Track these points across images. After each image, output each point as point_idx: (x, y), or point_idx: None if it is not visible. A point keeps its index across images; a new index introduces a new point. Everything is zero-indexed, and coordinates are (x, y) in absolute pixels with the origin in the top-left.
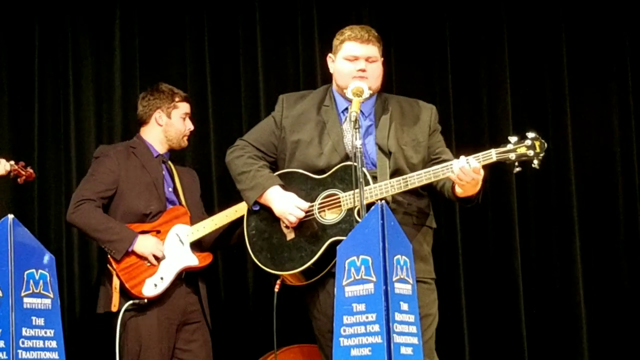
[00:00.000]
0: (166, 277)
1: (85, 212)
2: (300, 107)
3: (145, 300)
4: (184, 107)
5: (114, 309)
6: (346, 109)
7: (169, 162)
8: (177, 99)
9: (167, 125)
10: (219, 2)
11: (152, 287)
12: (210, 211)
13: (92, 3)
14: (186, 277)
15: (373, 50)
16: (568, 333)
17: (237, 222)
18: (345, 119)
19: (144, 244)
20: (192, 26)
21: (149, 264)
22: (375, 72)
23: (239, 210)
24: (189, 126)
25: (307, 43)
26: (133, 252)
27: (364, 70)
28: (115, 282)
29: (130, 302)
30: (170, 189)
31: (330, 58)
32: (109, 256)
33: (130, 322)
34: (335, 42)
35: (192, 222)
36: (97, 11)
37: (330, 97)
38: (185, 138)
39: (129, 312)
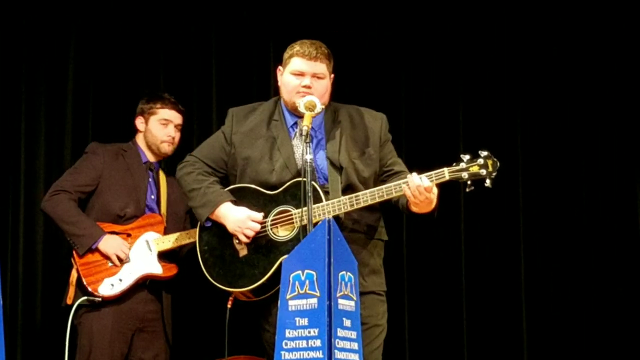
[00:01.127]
0: (125, 280)
1: (58, 202)
2: (250, 123)
3: (100, 299)
4: (165, 114)
5: (69, 301)
6: (295, 123)
7: (160, 172)
8: (158, 105)
9: (146, 131)
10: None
11: (108, 287)
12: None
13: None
14: (151, 285)
15: (320, 67)
16: (510, 348)
17: None
18: (295, 134)
19: (109, 244)
20: (147, 37)
21: (111, 264)
22: (321, 89)
23: None
24: (170, 133)
25: (261, 55)
26: (97, 250)
27: (308, 87)
28: (73, 276)
29: (85, 297)
30: (153, 197)
31: (279, 71)
32: (74, 250)
33: (85, 320)
34: (285, 55)
35: (168, 233)
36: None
37: (279, 111)
38: (166, 144)
39: (85, 310)
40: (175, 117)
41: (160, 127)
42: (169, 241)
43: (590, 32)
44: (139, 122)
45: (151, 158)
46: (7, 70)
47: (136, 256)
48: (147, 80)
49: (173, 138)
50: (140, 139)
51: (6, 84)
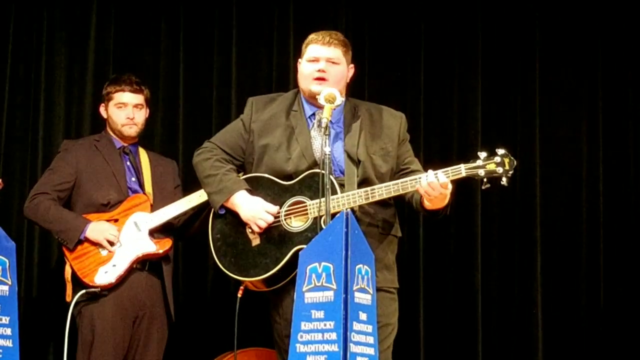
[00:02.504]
0: (119, 265)
1: (37, 205)
2: (269, 111)
3: (98, 289)
4: (119, 97)
5: (68, 299)
6: (313, 114)
7: (141, 152)
8: (113, 89)
9: (108, 118)
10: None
11: (103, 274)
12: None
13: None
14: (150, 267)
15: (335, 52)
16: (525, 348)
17: (198, 213)
18: (313, 125)
19: (96, 230)
20: (168, 23)
21: (104, 253)
22: (336, 75)
23: (202, 195)
24: (127, 115)
25: (281, 44)
26: (87, 240)
27: (323, 71)
28: (68, 272)
29: (83, 291)
30: (134, 179)
31: (299, 63)
32: (64, 247)
33: (85, 311)
34: (303, 46)
35: (156, 210)
36: (74, 3)
37: (298, 102)
38: (127, 127)
39: (86, 304)
40: (131, 98)
41: (117, 111)
42: (157, 217)
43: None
44: (102, 110)
45: (124, 142)
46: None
47: (127, 239)
48: (166, 73)
49: (132, 119)
50: (107, 126)
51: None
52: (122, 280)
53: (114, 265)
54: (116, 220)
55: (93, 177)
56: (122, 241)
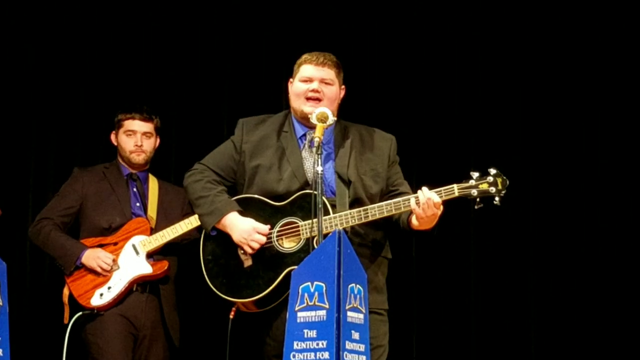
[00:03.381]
0: (115, 287)
1: (39, 230)
2: (260, 132)
3: (94, 311)
4: (129, 125)
5: (65, 321)
6: (304, 135)
7: (151, 178)
8: (122, 118)
9: (118, 145)
10: (188, 20)
11: (98, 297)
12: None
13: None
14: (151, 291)
15: (328, 73)
16: None
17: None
18: (305, 145)
19: (92, 257)
20: (161, 47)
21: (100, 276)
22: (330, 95)
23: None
24: (136, 142)
25: (273, 67)
26: (83, 265)
27: (317, 91)
28: (65, 295)
29: (80, 313)
30: (138, 205)
31: (290, 83)
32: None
33: (89, 334)
34: (295, 66)
35: (154, 232)
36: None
37: (289, 123)
38: (134, 155)
39: (88, 325)
40: (141, 126)
41: (126, 139)
42: (156, 240)
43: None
44: (113, 138)
45: (132, 169)
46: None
47: (125, 262)
48: (161, 101)
49: (140, 147)
50: (118, 154)
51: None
52: (121, 301)
53: (109, 288)
54: (116, 244)
55: (98, 202)
56: (120, 264)
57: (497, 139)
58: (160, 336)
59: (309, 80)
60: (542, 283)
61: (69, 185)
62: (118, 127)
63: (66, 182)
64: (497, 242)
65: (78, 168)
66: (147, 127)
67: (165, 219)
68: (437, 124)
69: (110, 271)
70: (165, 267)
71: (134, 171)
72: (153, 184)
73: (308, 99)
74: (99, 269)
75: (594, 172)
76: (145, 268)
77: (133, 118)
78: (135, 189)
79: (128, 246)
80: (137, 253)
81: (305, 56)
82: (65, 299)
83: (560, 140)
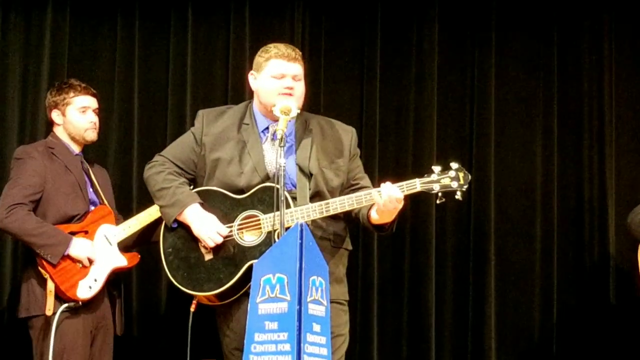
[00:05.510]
0: (99, 279)
1: (18, 217)
2: (221, 125)
3: (80, 303)
4: (81, 101)
5: (49, 312)
6: (267, 128)
7: (85, 161)
8: (71, 94)
9: (65, 123)
10: (149, 12)
11: (86, 289)
12: (128, 215)
13: None
14: (108, 282)
15: (299, 68)
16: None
17: (158, 220)
18: (267, 139)
19: (80, 247)
20: (123, 32)
21: (81, 266)
22: (301, 91)
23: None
24: (91, 119)
25: (237, 56)
26: (67, 256)
27: (291, 88)
28: (50, 286)
29: (65, 305)
30: (91, 189)
31: (252, 75)
32: (42, 260)
33: (62, 329)
34: (259, 59)
35: (117, 222)
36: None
37: (250, 115)
38: (90, 131)
39: (64, 318)
40: (92, 102)
41: (80, 115)
42: (123, 231)
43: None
44: (55, 115)
45: (77, 149)
46: None
47: (100, 252)
48: (120, 82)
49: (95, 123)
50: (60, 132)
51: None
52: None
53: (96, 280)
54: (86, 232)
55: (60, 187)
56: (98, 255)
57: (460, 134)
58: (110, 327)
59: (282, 76)
60: (502, 275)
61: (27, 166)
62: (64, 104)
63: (19, 162)
64: (459, 235)
65: (24, 146)
66: (96, 102)
67: (110, 204)
68: (398, 116)
69: (91, 263)
70: (137, 260)
71: (77, 150)
72: (88, 166)
73: (281, 94)
74: (86, 261)
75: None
76: (121, 260)
77: (84, 94)
78: (85, 172)
79: (99, 236)
80: (110, 244)
81: (274, 50)
82: (52, 289)
83: (524, 132)
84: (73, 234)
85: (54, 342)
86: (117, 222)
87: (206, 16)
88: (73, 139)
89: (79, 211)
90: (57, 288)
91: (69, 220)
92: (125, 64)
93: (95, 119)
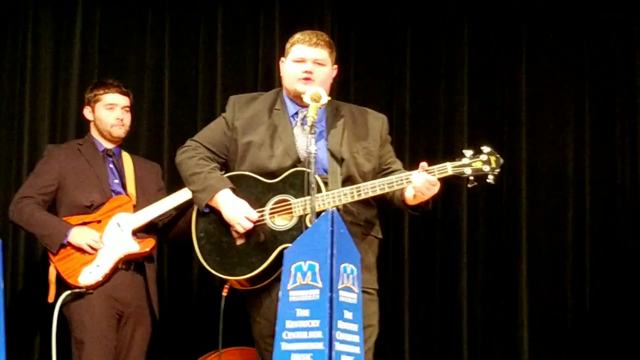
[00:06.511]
0: (103, 265)
1: (21, 209)
2: (252, 110)
3: (83, 289)
4: (109, 98)
5: (50, 300)
6: (296, 113)
7: (123, 154)
8: (101, 91)
9: (95, 119)
10: (180, 1)
11: (87, 275)
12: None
13: None
14: (135, 267)
15: (321, 53)
16: (510, 350)
17: (181, 214)
18: (296, 123)
19: (79, 235)
20: (153, 21)
21: (87, 253)
22: (322, 76)
23: (184, 194)
24: (117, 116)
25: (267, 45)
26: (69, 244)
27: (310, 72)
28: (52, 274)
29: (68, 292)
30: (117, 181)
31: (282, 62)
32: (47, 249)
33: (75, 313)
34: (287, 45)
35: (137, 210)
36: (59, 6)
37: (281, 101)
38: (116, 128)
39: (74, 303)
40: (120, 100)
41: (107, 112)
42: (140, 217)
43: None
44: (87, 112)
45: (107, 145)
46: None
47: (110, 239)
48: (151, 74)
49: (122, 120)
50: (92, 129)
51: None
52: (108, 279)
53: (98, 266)
54: (99, 222)
55: (76, 180)
56: (105, 242)
57: (491, 118)
58: (145, 315)
59: (302, 60)
60: (534, 262)
61: (45, 163)
62: (95, 102)
63: (41, 159)
64: (490, 221)
65: (52, 145)
66: (126, 101)
67: (143, 196)
68: (428, 102)
69: (96, 250)
70: (152, 245)
71: (109, 146)
72: (127, 159)
73: (300, 79)
74: (86, 247)
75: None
76: (132, 246)
77: (112, 92)
78: (112, 165)
79: (112, 224)
80: (122, 231)
81: (297, 36)
82: (52, 277)
83: (556, 118)
84: (86, 223)
85: (70, 329)
86: (137, 209)
87: (236, 4)
88: (101, 134)
89: (93, 201)
90: (59, 275)
91: (84, 210)
92: (156, 52)
93: (122, 116)
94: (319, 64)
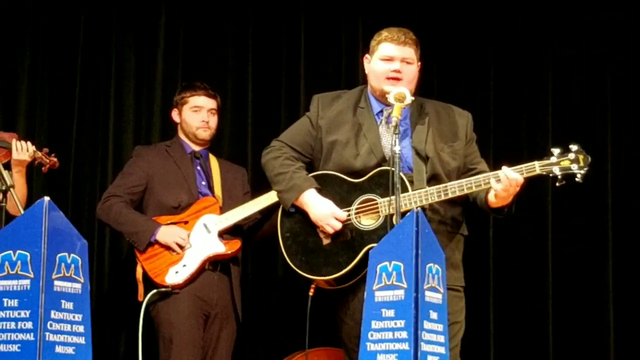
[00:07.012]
0: (189, 265)
1: (109, 207)
2: (336, 108)
3: (169, 289)
4: (195, 101)
5: (140, 298)
6: (381, 111)
7: (211, 157)
8: (187, 94)
9: (181, 122)
10: (263, 1)
11: (173, 274)
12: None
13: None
14: (221, 269)
15: (409, 52)
16: (595, 347)
17: (266, 217)
18: (382, 121)
19: (167, 233)
20: (236, 25)
21: (173, 254)
22: (410, 75)
23: (270, 197)
24: (203, 118)
25: (350, 44)
26: (157, 242)
27: (398, 72)
28: (139, 273)
29: (155, 291)
30: (204, 183)
31: (366, 59)
32: (135, 248)
33: (162, 309)
34: (372, 42)
35: (224, 212)
36: (142, 7)
37: (365, 99)
38: (201, 130)
39: (161, 302)
40: (207, 102)
41: (192, 114)
42: (226, 219)
43: None
44: (175, 115)
45: (195, 147)
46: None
47: (197, 240)
48: (235, 71)
49: (207, 123)
50: (180, 131)
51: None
52: (194, 279)
53: (184, 266)
54: (186, 222)
55: (164, 181)
56: (192, 242)
57: (577, 115)
58: (231, 316)
59: (390, 59)
60: (621, 263)
61: (133, 164)
62: (182, 104)
63: (130, 160)
64: (575, 221)
65: (140, 146)
66: (213, 103)
67: (229, 198)
68: (512, 99)
69: (183, 249)
70: (238, 247)
71: (197, 149)
72: (214, 162)
73: (388, 78)
74: (174, 246)
75: None
76: (218, 247)
77: (199, 95)
78: (199, 167)
79: (199, 225)
80: (209, 232)
81: (385, 34)
82: (139, 275)
83: None
84: (174, 224)
85: (156, 328)
86: (224, 212)
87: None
88: (187, 137)
89: (180, 202)
90: (147, 274)
91: (171, 211)
92: (239, 59)
93: (208, 118)
94: (407, 62)
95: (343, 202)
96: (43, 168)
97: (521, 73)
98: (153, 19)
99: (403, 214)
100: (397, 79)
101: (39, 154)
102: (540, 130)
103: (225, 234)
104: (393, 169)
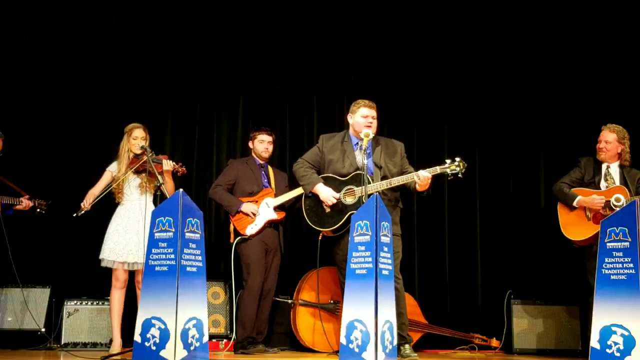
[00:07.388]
0: (258, 224)
1: (216, 192)
2: (331, 142)
3: (247, 236)
4: (260, 137)
5: (231, 241)
6: (357, 143)
7: (269, 168)
8: (257, 133)
9: (254, 148)
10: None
11: (250, 229)
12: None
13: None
14: (274, 226)
15: (374, 113)
16: (468, 275)
17: (295, 201)
18: (357, 149)
19: (246, 207)
20: (292, 101)
21: (250, 217)
22: (375, 123)
23: (299, 190)
24: (265, 147)
25: (339, 113)
26: (241, 211)
27: (371, 123)
28: (231, 227)
29: (240, 237)
30: (266, 181)
31: (350, 116)
32: (229, 215)
33: (244, 249)
34: (354, 107)
35: (276, 197)
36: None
37: (347, 137)
38: (264, 153)
39: (243, 243)
40: (267, 138)
41: (259, 144)
42: (277, 200)
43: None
44: (250, 144)
45: (261, 161)
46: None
47: (262, 211)
48: (281, 120)
49: (267, 149)
50: (252, 153)
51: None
52: (260, 232)
53: (255, 224)
54: (256, 201)
55: (245, 178)
56: (260, 212)
57: (461, 139)
58: (278, 251)
59: (366, 116)
60: (486, 228)
61: (229, 168)
62: (253, 138)
63: (226, 167)
64: (460, 201)
65: (232, 159)
66: (270, 138)
67: (278, 189)
68: (426, 134)
69: (255, 216)
70: (284, 215)
71: (262, 162)
72: (271, 170)
73: (366, 126)
74: (250, 214)
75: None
76: (273, 215)
77: (262, 133)
78: (263, 172)
79: (263, 204)
80: (268, 207)
81: (362, 102)
82: (231, 229)
83: (500, 139)
84: (250, 202)
85: (237, 258)
86: (276, 196)
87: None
88: (258, 156)
89: (253, 190)
90: (235, 228)
91: (248, 195)
92: (285, 123)
93: (267, 147)
94: (373, 117)
95: (336, 189)
96: (178, 174)
97: (438, 123)
98: (234, 101)
99: (369, 196)
100: (369, 126)
101: (176, 166)
102: (441, 149)
103: (277, 208)
104: (363, 172)
